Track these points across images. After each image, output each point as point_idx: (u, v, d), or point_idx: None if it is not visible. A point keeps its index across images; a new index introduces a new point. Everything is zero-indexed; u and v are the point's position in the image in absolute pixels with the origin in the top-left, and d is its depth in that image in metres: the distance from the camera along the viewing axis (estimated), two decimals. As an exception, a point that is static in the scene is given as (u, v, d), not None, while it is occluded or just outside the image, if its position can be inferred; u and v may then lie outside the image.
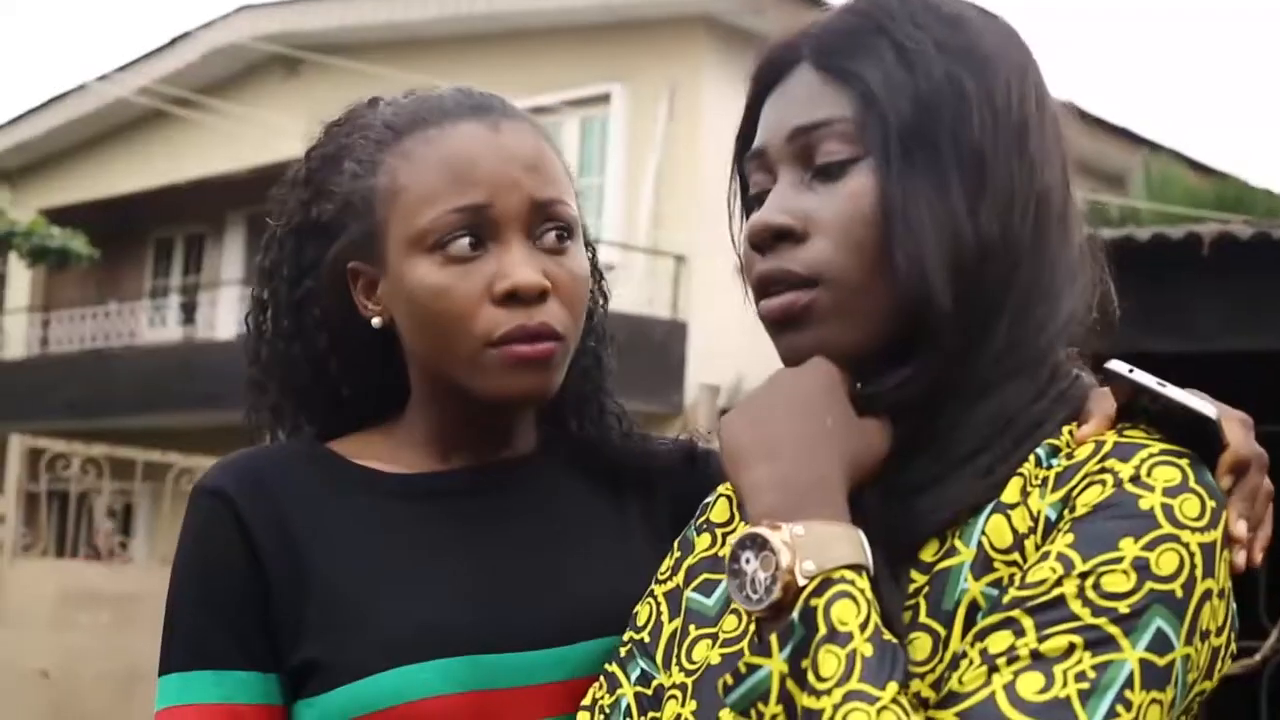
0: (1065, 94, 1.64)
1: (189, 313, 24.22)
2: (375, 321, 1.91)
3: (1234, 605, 1.45)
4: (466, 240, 1.83)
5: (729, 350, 15.63)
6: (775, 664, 1.37)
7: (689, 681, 1.61)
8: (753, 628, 1.48)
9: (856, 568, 1.40)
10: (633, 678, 1.69)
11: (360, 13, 20.31)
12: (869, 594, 1.39)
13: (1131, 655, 1.33)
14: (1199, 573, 1.37)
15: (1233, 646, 1.46)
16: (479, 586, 1.85)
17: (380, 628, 1.79)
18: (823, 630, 1.35)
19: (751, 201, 1.65)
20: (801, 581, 1.38)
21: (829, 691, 1.32)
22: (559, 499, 1.97)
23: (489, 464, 1.95)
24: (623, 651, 1.74)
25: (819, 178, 1.55)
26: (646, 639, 1.71)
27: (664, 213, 17.24)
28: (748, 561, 1.42)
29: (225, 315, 23.28)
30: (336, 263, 1.93)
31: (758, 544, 1.41)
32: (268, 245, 2.02)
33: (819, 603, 1.37)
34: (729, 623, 1.62)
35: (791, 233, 1.54)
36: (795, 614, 1.37)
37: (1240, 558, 1.43)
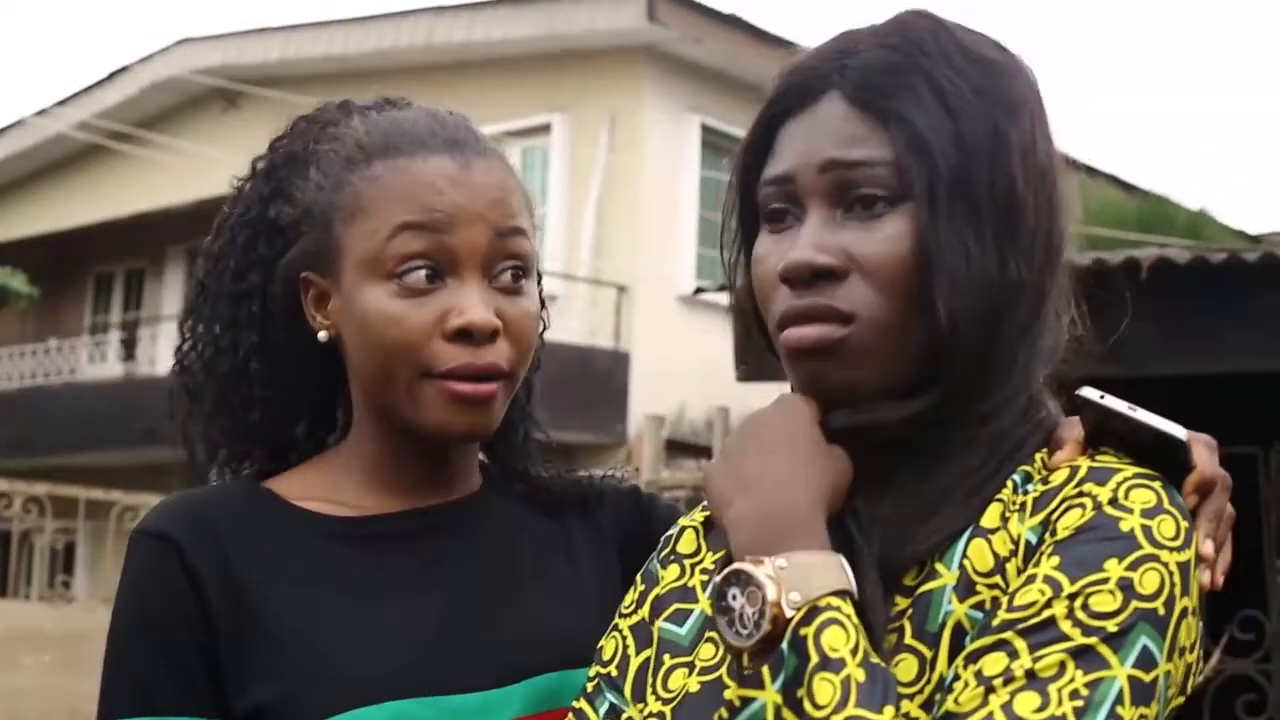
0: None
1: (129, 349, 24.07)
2: (322, 335, 1.91)
3: (1200, 623, 1.48)
4: (424, 273, 1.82)
5: (672, 380, 15.67)
6: (769, 696, 1.39)
7: (666, 710, 1.61)
8: (743, 660, 1.48)
9: (842, 594, 1.42)
10: (601, 712, 1.69)
11: (299, 45, 20.32)
12: (855, 620, 1.41)
13: (1121, 672, 1.36)
14: (1178, 591, 1.41)
15: (1201, 664, 1.51)
16: (429, 628, 1.83)
17: (331, 672, 1.77)
18: (815, 659, 1.37)
19: (764, 219, 1.63)
20: (789, 612, 1.40)
21: (828, 719, 1.35)
22: (505, 537, 1.96)
23: (434, 505, 1.94)
24: (589, 687, 1.74)
25: (854, 216, 1.55)
26: (614, 673, 1.71)
27: (605, 242, 17.29)
28: (734, 598, 1.43)
29: (166, 351, 23.00)
30: (289, 268, 1.92)
31: (742, 580, 1.43)
32: (219, 229, 2.00)
33: (808, 631, 1.39)
34: (705, 651, 1.62)
35: (833, 272, 1.54)
36: (785, 644, 1.39)
37: (1207, 577, 1.48)
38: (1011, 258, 1.53)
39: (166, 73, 21.65)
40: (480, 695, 1.80)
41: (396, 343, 1.82)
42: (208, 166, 20.01)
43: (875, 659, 1.39)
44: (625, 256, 16.91)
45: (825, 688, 1.36)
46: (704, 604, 1.60)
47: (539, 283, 1.99)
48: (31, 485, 13.26)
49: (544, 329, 2.01)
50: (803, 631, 1.39)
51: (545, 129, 18.06)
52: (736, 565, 1.44)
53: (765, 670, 1.40)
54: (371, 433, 1.93)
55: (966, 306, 1.50)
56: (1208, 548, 1.48)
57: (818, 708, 1.35)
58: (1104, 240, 12.77)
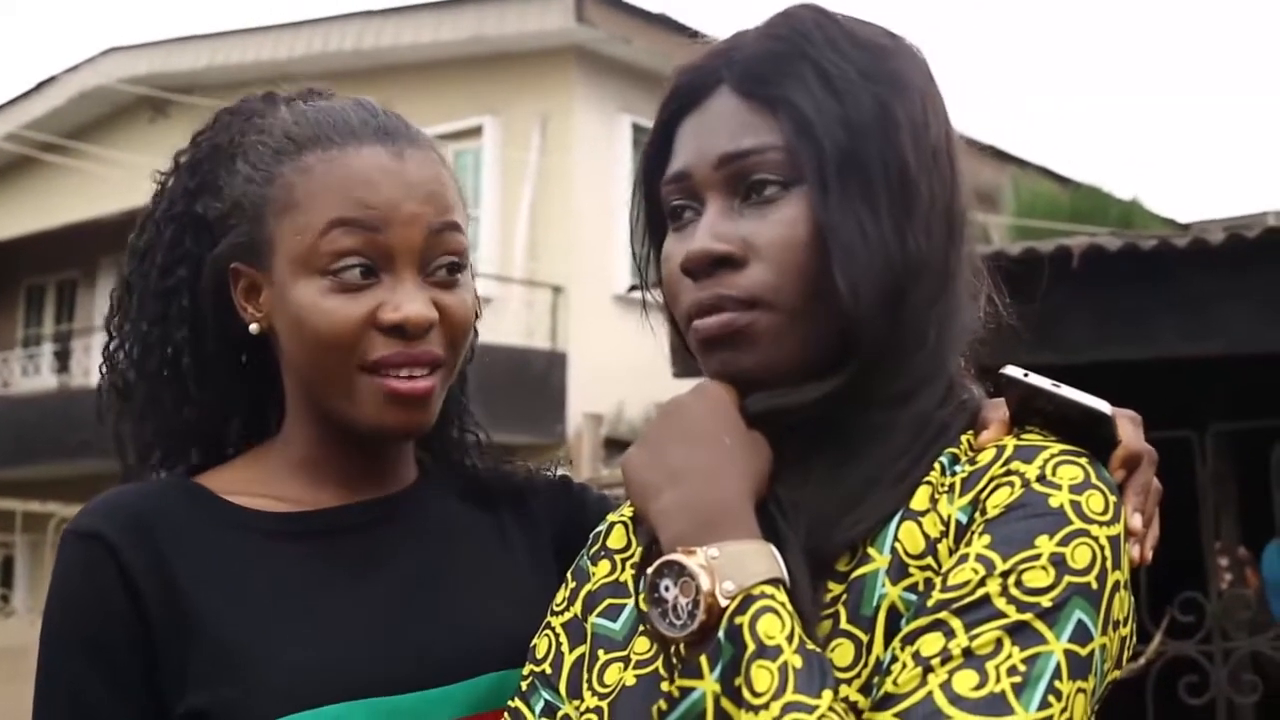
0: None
1: (63, 360, 23.91)
2: (253, 327, 1.88)
3: (1132, 597, 1.49)
4: (358, 269, 1.80)
5: (609, 379, 15.67)
6: (707, 685, 1.39)
7: (604, 705, 1.62)
8: (676, 652, 1.49)
9: (775, 582, 1.43)
10: (537, 710, 1.69)
11: (227, 52, 20.21)
12: (789, 606, 1.42)
13: (1057, 646, 1.37)
14: (1109, 564, 1.42)
15: (1134, 638, 1.50)
16: (370, 626, 1.81)
17: (273, 674, 1.74)
18: (751, 646, 1.38)
19: (669, 217, 1.65)
20: (723, 602, 1.41)
21: (766, 705, 1.35)
22: (443, 532, 1.95)
23: (369, 499, 1.92)
24: (524, 685, 1.74)
25: (750, 204, 1.58)
26: (548, 670, 1.72)
27: (539, 244, 17.27)
28: (667, 589, 1.44)
29: (100, 362, 23.02)
30: (218, 261, 1.89)
31: (675, 570, 1.43)
32: (143, 225, 1.98)
33: (744, 620, 1.39)
34: (640, 645, 1.62)
35: (730, 259, 1.56)
36: (722, 633, 1.40)
37: (1136, 551, 1.49)
38: (909, 233, 1.55)
39: (94, 82, 21.49)
40: (420, 695, 1.78)
41: (328, 337, 1.80)
42: (138, 176, 19.76)
43: (811, 645, 1.40)
44: (559, 257, 16.90)
45: (763, 675, 1.36)
46: (641, 598, 1.61)
47: (472, 275, 1.97)
48: (-33, 500, 13.17)
49: (478, 317, 1.98)
50: (738, 620, 1.39)
51: (477, 131, 18.03)
52: (669, 556, 1.44)
53: (703, 660, 1.40)
54: (305, 426, 1.91)
55: (867, 282, 1.51)
56: (1136, 521, 1.50)
57: (756, 695, 1.35)
58: (1038, 231, 12.87)
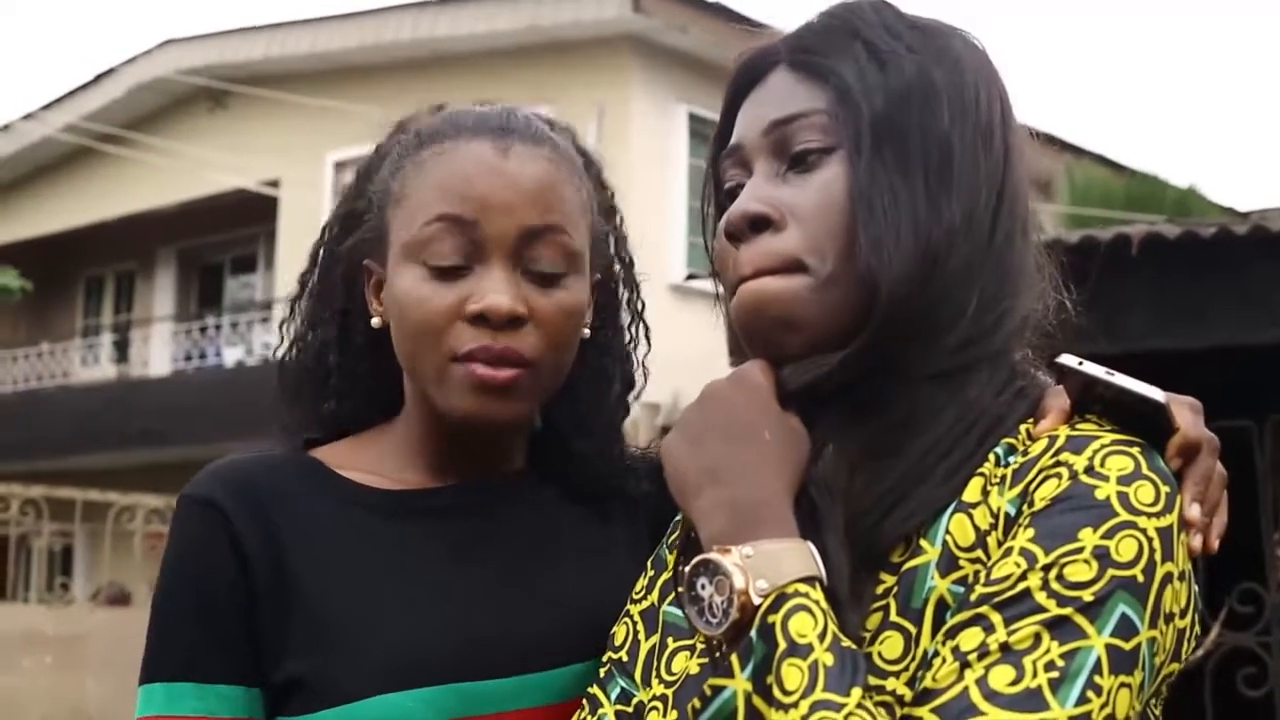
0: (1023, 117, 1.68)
1: (122, 350, 24.10)
2: (375, 321, 1.93)
3: (1195, 587, 1.47)
4: (451, 257, 1.84)
5: (666, 368, 15.59)
6: (739, 684, 1.38)
7: (669, 693, 1.63)
8: (718, 647, 1.49)
9: (809, 580, 1.42)
10: (613, 696, 1.71)
11: (284, 43, 20.29)
12: (824, 604, 1.41)
13: (1098, 641, 1.35)
14: (1158, 557, 1.40)
15: (1196, 628, 1.49)
16: (464, 611, 1.84)
17: (366, 653, 1.78)
18: (783, 645, 1.37)
19: (725, 199, 1.66)
20: (756, 600, 1.40)
21: (796, 704, 1.34)
22: (545, 519, 1.97)
23: (475, 482, 1.95)
24: (602, 672, 1.75)
25: (794, 169, 1.59)
26: (625, 658, 1.73)
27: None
28: (703, 587, 1.44)
29: (158, 352, 23.17)
30: (352, 256, 1.96)
31: (710, 569, 1.43)
32: (324, 230, 2.06)
33: (776, 619, 1.39)
34: None
35: (768, 220, 1.56)
36: (754, 632, 1.39)
37: (1196, 541, 1.46)
38: (945, 204, 1.54)
39: (152, 74, 21.63)
40: (508, 680, 1.81)
41: (421, 324, 1.83)
42: (195, 167, 20.03)
43: (845, 642, 1.39)
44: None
45: (793, 673, 1.35)
46: (680, 596, 1.60)
47: (615, 277, 2.03)
48: (28, 488, 13.28)
49: (586, 323, 1.98)
50: (770, 619, 1.39)
51: (532, 121, 18.03)
52: (704, 555, 1.45)
53: (734, 659, 1.40)
54: (414, 411, 1.95)
55: (892, 244, 1.51)
56: (1194, 511, 1.46)
57: (786, 693, 1.35)
58: (1092, 219, 12.78)
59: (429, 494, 1.92)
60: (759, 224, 1.57)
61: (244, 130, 20.43)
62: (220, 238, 23.02)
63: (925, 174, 1.54)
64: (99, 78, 22.48)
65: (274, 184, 20.25)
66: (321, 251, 2.03)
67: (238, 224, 21.94)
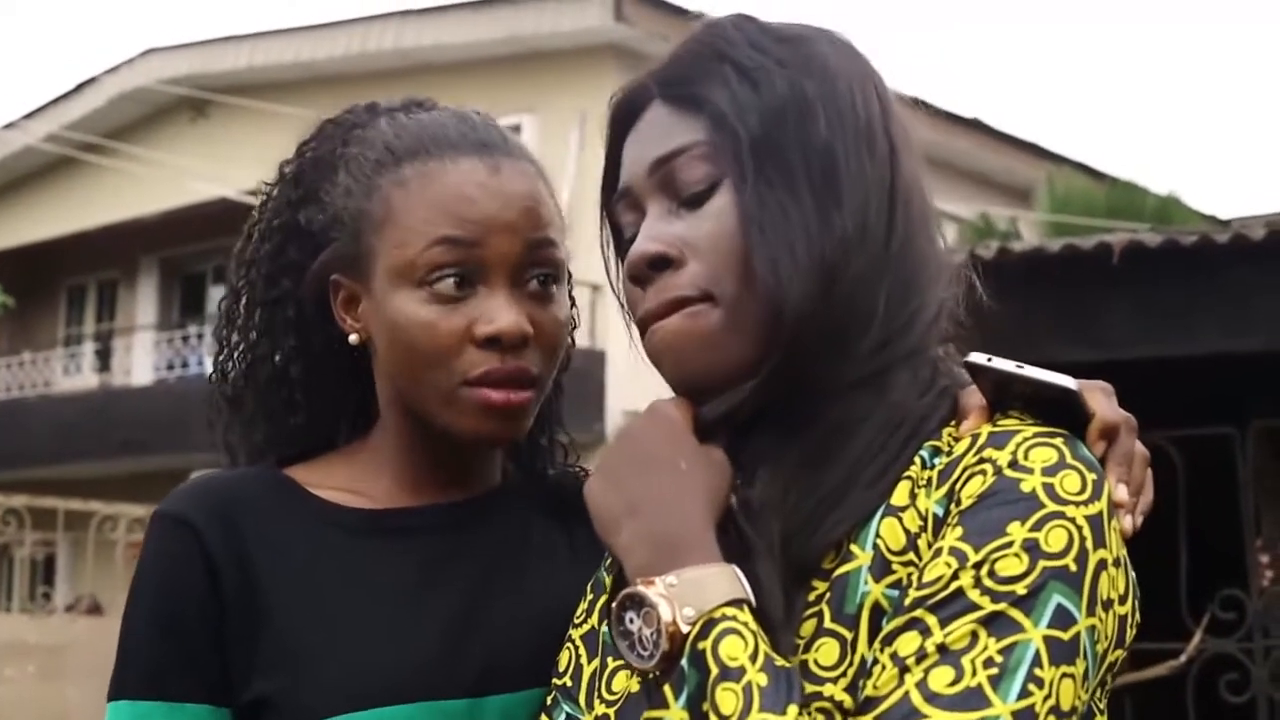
0: (908, 90, 1.68)
1: (104, 359, 24.05)
2: (353, 338, 1.91)
3: (1133, 573, 1.47)
4: (453, 280, 1.82)
5: (648, 376, 15.64)
6: (674, 715, 1.40)
7: (610, 712, 1.62)
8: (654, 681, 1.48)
9: (736, 603, 1.42)
10: None
11: (266, 53, 20.29)
12: (753, 625, 1.41)
13: (1035, 634, 1.35)
14: (1090, 545, 1.40)
15: (1138, 615, 1.48)
16: (431, 631, 1.83)
17: (330, 673, 1.77)
18: (715, 670, 1.37)
19: (625, 245, 1.66)
20: (685, 628, 1.40)
21: None
22: (517, 540, 1.96)
23: (453, 501, 1.94)
24: (548, 700, 1.75)
25: (685, 205, 1.59)
26: (569, 683, 1.73)
27: (578, 242, 17.23)
28: (631, 621, 1.44)
29: (140, 361, 23.13)
30: (319, 272, 1.93)
31: (636, 602, 1.44)
32: (249, 235, 2.02)
33: (706, 645, 1.39)
34: None
35: (668, 259, 1.57)
36: (685, 660, 1.40)
37: (1127, 523, 1.46)
38: (834, 212, 1.53)
39: (134, 83, 21.61)
40: (474, 701, 1.80)
41: (429, 349, 1.82)
42: (177, 176, 19.97)
43: (779, 661, 1.39)
44: (598, 255, 16.89)
45: (728, 697, 1.35)
46: (609, 632, 1.57)
47: (569, 289, 2.01)
48: (10, 497, 13.24)
49: (574, 329, 2.00)
50: (700, 645, 1.39)
51: (515, 130, 17.86)
52: (629, 589, 1.45)
53: (667, 689, 1.40)
54: (396, 429, 1.93)
55: (788, 263, 1.51)
56: (1121, 493, 1.47)
57: (723, 718, 1.35)
58: (1073, 227, 12.82)
59: (404, 513, 1.91)
60: (658, 264, 1.57)
61: (226, 139, 20.38)
62: (202, 247, 22.94)
63: (811, 188, 1.54)
64: (80, 87, 22.46)
65: (256, 193, 20.09)
66: (265, 264, 1.98)
67: (220, 233, 21.75)
